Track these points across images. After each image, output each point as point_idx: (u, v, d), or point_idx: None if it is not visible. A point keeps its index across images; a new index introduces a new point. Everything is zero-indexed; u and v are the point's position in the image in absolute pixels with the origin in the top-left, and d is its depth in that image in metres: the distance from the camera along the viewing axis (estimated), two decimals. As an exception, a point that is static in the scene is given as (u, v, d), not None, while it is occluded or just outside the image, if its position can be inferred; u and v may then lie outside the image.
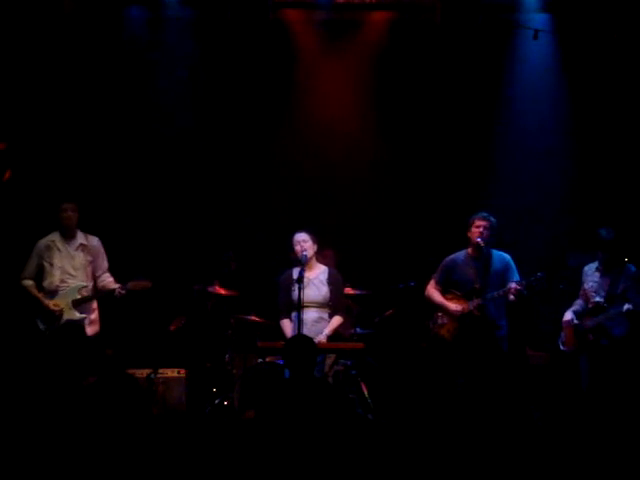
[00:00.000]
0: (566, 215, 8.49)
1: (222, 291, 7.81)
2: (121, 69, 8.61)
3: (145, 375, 7.60)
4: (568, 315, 7.20)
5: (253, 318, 7.71)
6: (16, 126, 8.19)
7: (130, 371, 7.62)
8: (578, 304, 7.25)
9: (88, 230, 7.53)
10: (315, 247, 7.23)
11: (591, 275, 7.19)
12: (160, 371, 7.66)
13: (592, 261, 7.21)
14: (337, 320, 7.20)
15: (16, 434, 6.14)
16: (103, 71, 8.55)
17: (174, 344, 8.01)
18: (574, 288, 7.37)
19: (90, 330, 7.33)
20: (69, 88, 8.50)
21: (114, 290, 7.30)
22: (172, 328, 7.96)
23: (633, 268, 7.07)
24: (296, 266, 7.16)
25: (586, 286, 7.19)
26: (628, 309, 6.83)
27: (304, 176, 8.75)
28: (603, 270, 7.10)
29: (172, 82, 8.68)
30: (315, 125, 8.74)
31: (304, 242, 7.18)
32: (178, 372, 7.76)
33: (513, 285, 6.88)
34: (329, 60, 8.82)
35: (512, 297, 6.91)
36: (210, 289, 7.78)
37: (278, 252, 7.85)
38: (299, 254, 7.15)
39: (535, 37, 8.33)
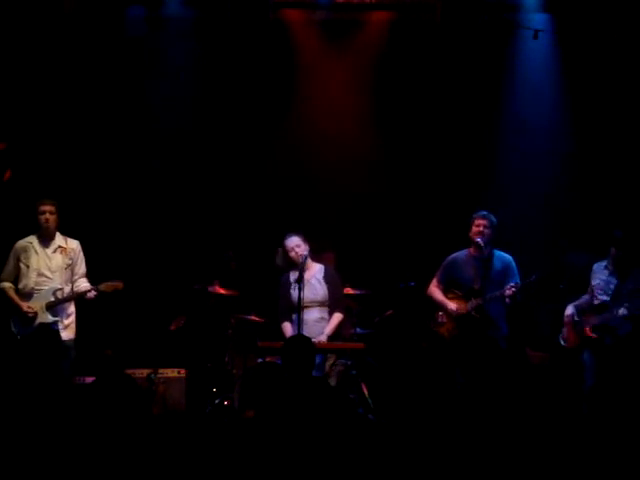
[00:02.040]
0: (566, 215, 8.48)
1: (222, 291, 7.81)
2: (121, 69, 8.60)
3: (145, 375, 7.60)
4: (569, 310, 7.16)
5: (253, 318, 7.72)
6: (16, 126, 8.18)
7: (130, 371, 7.61)
8: (583, 299, 7.19)
9: (88, 231, 7.51)
10: (307, 246, 7.24)
11: (599, 272, 7.13)
12: (160, 371, 7.66)
13: (596, 260, 7.18)
14: (337, 317, 7.21)
15: (8, 436, 6.12)
16: (103, 71, 8.54)
17: (174, 344, 8.01)
18: (574, 288, 7.37)
19: (65, 335, 7.13)
20: (69, 88, 8.49)
21: (85, 292, 7.14)
22: (172, 328, 7.96)
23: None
24: (293, 269, 7.19)
25: (593, 282, 7.14)
26: (623, 314, 6.82)
27: (304, 176, 8.75)
28: (613, 269, 7.06)
29: (172, 82, 8.66)
30: (315, 125, 8.73)
31: (297, 247, 7.21)
32: (178, 372, 7.76)
33: (508, 288, 6.88)
34: (329, 60, 8.82)
35: (508, 300, 6.94)
36: (210, 289, 7.77)
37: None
38: (296, 259, 7.17)
39: (535, 37, 8.33)
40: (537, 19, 8.48)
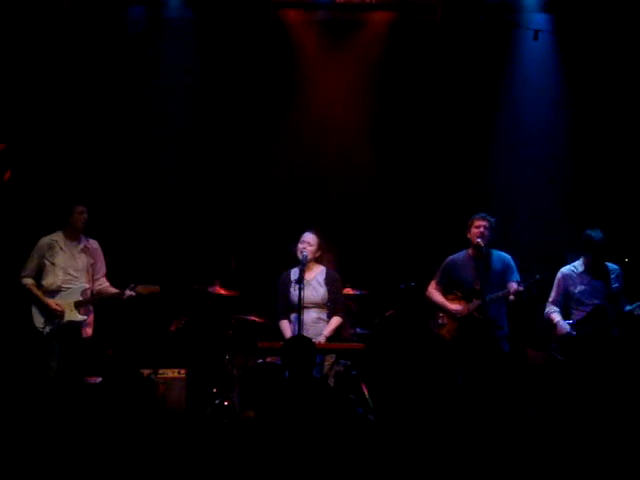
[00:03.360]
0: (566, 215, 8.47)
1: (222, 291, 7.81)
2: (121, 69, 8.60)
3: (145, 375, 7.59)
4: (565, 327, 7.08)
5: (253, 318, 7.71)
6: (16, 126, 8.18)
7: (130, 371, 7.64)
8: (558, 311, 7.15)
9: (89, 231, 7.52)
10: (317, 252, 7.23)
11: (578, 278, 7.13)
12: (160, 371, 7.65)
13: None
14: (336, 321, 7.21)
15: (14, 434, 6.13)
16: (103, 71, 8.54)
17: (174, 344, 8.00)
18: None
19: (86, 332, 7.30)
20: (69, 88, 8.49)
21: (118, 294, 7.27)
22: (172, 328, 7.96)
23: (616, 266, 7.07)
24: (294, 266, 7.17)
25: (575, 290, 7.12)
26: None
27: (304, 176, 8.75)
28: (591, 272, 7.07)
29: (172, 82, 8.67)
30: (315, 125, 8.73)
31: (309, 245, 7.19)
32: (178, 372, 7.75)
33: (514, 286, 6.89)
34: (329, 60, 8.81)
35: (512, 297, 6.94)
36: (210, 289, 7.78)
37: (278, 252, 7.84)
38: (300, 252, 7.15)
39: (535, 37, 8.32)
40: (537, 19, 8.49)
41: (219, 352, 7.86)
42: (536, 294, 7.01)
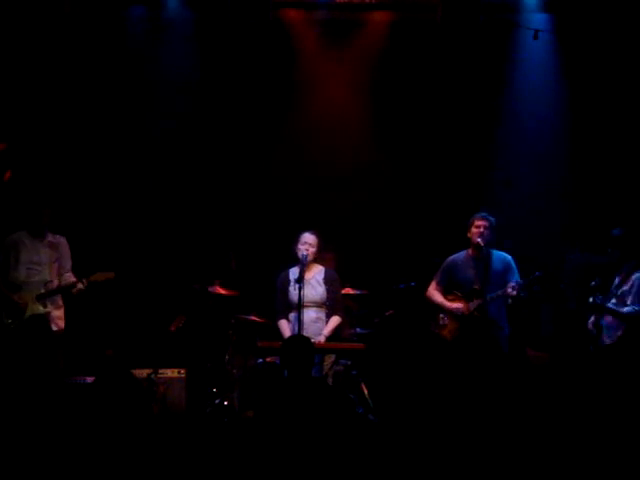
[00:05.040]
0: (566, 215, 8.47)
1: (222, 291, 7.81)
2: (121, 69, 8.61)
3: (145, 375, 7.60)
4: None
5: (253, 318, 7.71)
6: (16, 126, 8.18)
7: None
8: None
9: (90, 229, 7.53)
10: (317, 253, 7.24)
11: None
12: (160, 371, 7.65)
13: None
14: (335, 320, 7.21)
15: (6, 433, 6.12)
16: (103, 71, 8.55)
17: (174, 344, 8.00)
18: (574, 288, 7.36)
19: (55, 326, 7.29)
20: (69, 88, 8.50)
21: (74, 284, 7.27)
22: (172, 328, 7.95)
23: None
24: (293, 266, 7.18)
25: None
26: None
27: (304, 176, 8.75)
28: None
29: (172, 82, 8.67)
30: (315, 125, 8.73)
31: (310, 246, 7.20)
32: (178, 372, 7.76)
33: (511, 287, 6.89)
34: (329, 60, 8.82)
35: (510, 301, 6.94)
36: (210, 289, 7.77)
37: (278, 252, 7.84)
38: (300, 253, 7.16)
39: (535, 37, 8.33)
40: (537, 19, 8.49)
41: (219, 352, 7.86)
42: (537, 291, 7.00)
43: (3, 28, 8.18)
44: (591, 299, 6.88)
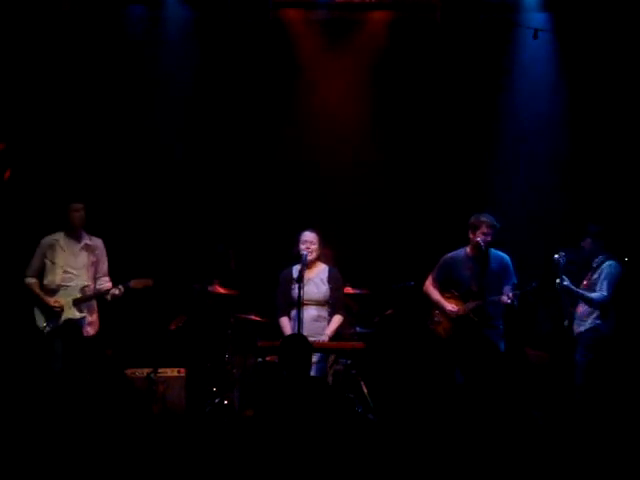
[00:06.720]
0: (566, 215, 8.47)
1: (222, 290, 7.81)
2: (121, 68, 8.61)
3: (145, 375, 7.60)
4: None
5: (253, 317, 7.72)
6: (16, 126, 8.18)
7: (130, 371, 7.63)
8: None
9: (89, 229, 7.53)
10: (319, 250, 7.24)
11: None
12: (160, 370, 7.67)
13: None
14: (337, 319, 7.20)
15: (14, 433, 6.13)
16: (102, 70, 8.55)
17: (174, 343, 8.01)
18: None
19: (89, 330, 7.31)
20: (69, 87, 8.49)
21: (108, 290, 7.30)
22: (172, 327, 7.96)
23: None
24: (297, 263, 7.17)
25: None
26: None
27: (304, 175, 8.75)
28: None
29: (172, 81, 8.68)
30: (315, 124, 8.74)
31: (311, 244, 7.18)
32: (178, 371, 7.77)
33: (507, 296, 6.88)
34: (329, 60, 8.82)
35: (506, 300, 6.96)
36: (210, 288, 7.78)
37: (278, 251, 7.85)
38: (302, 252, 7.15)
39: (535, 36, 8.33)
40: (537, 18, 8.49)
41: (219, 351, 7.86)
42: (532, 302, 7.05)
43: (2, 28, 8.18)
44: (558, 281, 7.10)
